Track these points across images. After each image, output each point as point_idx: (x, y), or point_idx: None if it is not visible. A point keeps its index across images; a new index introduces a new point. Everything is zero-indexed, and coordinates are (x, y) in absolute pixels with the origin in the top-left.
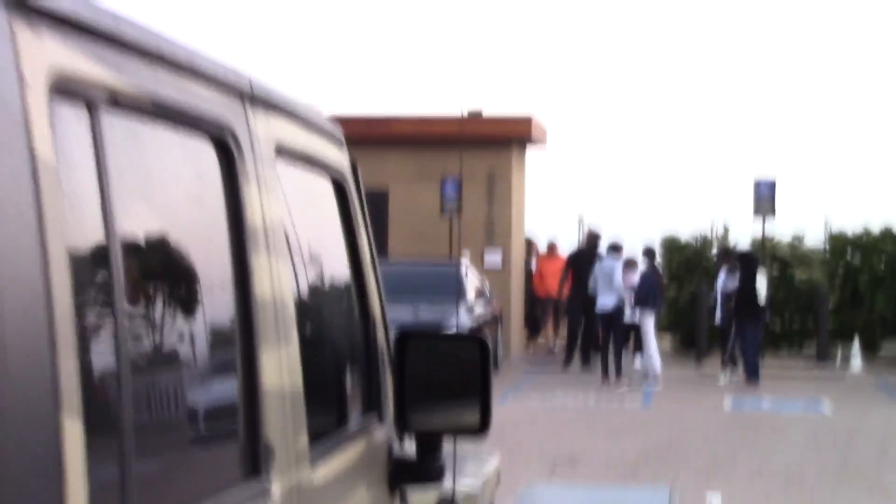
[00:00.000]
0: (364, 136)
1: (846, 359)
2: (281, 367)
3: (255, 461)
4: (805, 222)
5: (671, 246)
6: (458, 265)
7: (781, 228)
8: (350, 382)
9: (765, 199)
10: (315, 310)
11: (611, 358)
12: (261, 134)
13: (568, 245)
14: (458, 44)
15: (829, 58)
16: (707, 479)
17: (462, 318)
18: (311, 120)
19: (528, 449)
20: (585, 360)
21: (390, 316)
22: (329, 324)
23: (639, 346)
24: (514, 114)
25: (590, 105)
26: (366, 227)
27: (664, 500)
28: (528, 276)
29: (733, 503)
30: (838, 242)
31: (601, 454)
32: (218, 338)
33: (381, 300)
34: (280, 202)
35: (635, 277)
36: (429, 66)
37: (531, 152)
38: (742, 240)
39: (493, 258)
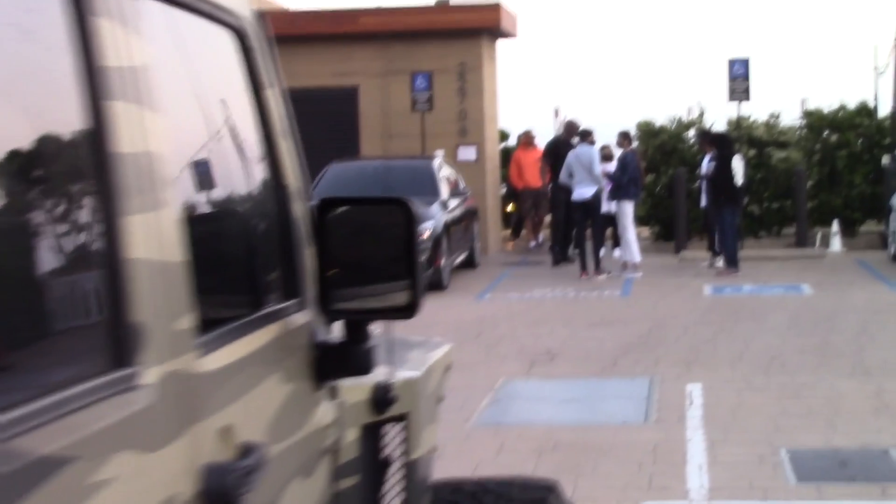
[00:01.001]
0: (331, 31)
1: (826, 240)
2: (151, 235)
3: (119, 346)
4: (781, 103)
5: (646, 131)
6: (430, 160)
7: (757, 110)
8: (259, 261)
9: (739, 78)
10: (207, 175)
11: (589, 248)
12: None
13: (544, 136)
14: None
15: None
16: (687, 368)
17: (436, 214)
18: None
19: (506, 344)
20: (563, 254)
21: None
22: (228, 193)
23: (616, 236)
24: (483, 1)
25: None
26: (277, 86)
27: (643, 391)
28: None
29: (713, 391)
30: (814, 120)
31: (580, 347)
32: (65, 200)
33: (298, 170)
34: (145, 43)
35: (610, 166)
36: None
37: (502, 43)
38: (718, 122)
39: (467, 153)
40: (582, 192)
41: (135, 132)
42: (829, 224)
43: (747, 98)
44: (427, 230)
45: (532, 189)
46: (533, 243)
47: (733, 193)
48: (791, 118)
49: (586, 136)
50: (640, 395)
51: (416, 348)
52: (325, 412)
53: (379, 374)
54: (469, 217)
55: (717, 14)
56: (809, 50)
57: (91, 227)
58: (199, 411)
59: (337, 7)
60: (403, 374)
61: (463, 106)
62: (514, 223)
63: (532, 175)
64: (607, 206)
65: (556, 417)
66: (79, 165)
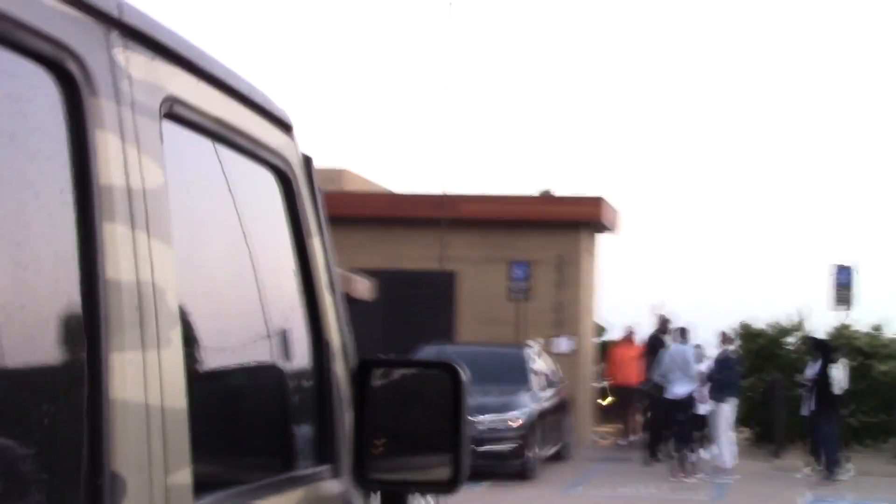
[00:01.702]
0: (433, 215)
1: None
2: (147, 375)
3: (94, 499)
4: (886, 311)
5: (747, 333)
6: (522, 349)
7: (861, 317)
8: (287, 420)
9: (843, 285)
10: (229, 318)
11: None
12: (135, 74)
13: (643, 333)
14: (529, 121)
15: None
16: None
17: (527, 404)
18: (236, 88)
19: None
20: (654, 453)
21: None
22: (254, 341)
23: (706, 437)
24: (585, 194)
25: (663, 189)
26: (322, 233)
27: None
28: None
29: None
30: None
31: None
32: (53, 330)
33: (342, 327)
34: (161, 168)
35: (702, 365)
36: (498, 144)
37: (603, 236)
38: (820, 328)
39: (562, 344)
40: (677, 390)
41: (132, 257)
42: None
43: (851, 306)
44: (518, 419)
45: (628, 386)
46: (624, 441)
47: (832, 400)
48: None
49: (683, 335)
50: None
51: None
52: None
53: None
54: (561, 409)
55: (826, 217)
56: None
57: (73, 360)
58: None
59: (440, 192)
60: None
61: (560, 297)
62: (613, 416)
63: (628, 372)
64: (703, 407)
65: None
66: (69, 292)
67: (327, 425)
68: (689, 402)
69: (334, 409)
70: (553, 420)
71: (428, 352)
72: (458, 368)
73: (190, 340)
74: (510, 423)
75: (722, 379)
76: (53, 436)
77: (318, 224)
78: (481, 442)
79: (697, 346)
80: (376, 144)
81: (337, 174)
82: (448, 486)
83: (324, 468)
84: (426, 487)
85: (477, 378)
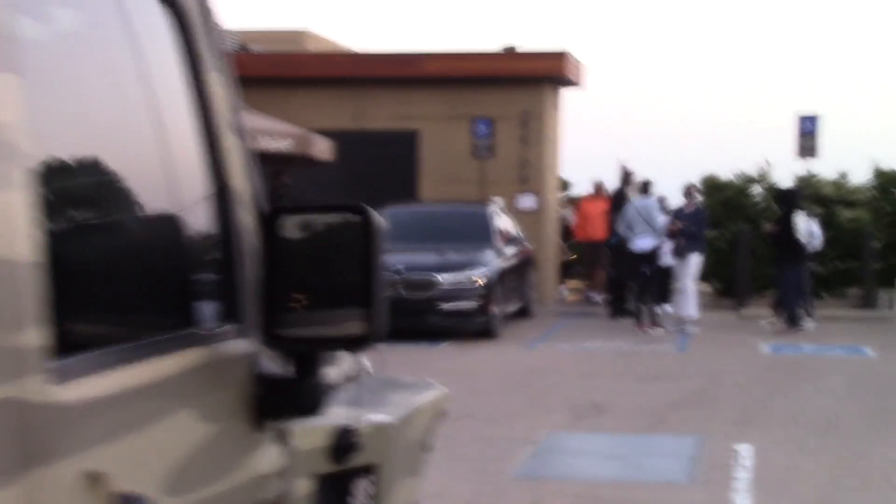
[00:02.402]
0: (395, 74)
1: (892, 302)
2: None
3: None
4: (851, 162)
5: (711, 186)
6: (486, 207)
7: (826, 168)
8: (177, 274)
9: (808, 134)
10: (113, 161)
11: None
12: None
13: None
14: None
15: None
16: (739, 428)
17: (490, 261)
18: None
19: (554, 396)
20: (620, 307)
21: (414, 259)
22: (143, 187)
23: (672, 290)
24: (549, 49)
25: (627, 43)
26: (222, 70)
27: (691, 450)
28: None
29: (764, 453)
30: (885, 179)
31: (629, 401)
32: None
33: (248, 172)
34: None
35: (666, 218)
36: (460, 1)
37: (567, 92)
38: (785, 179)
39: (527, 201)
40: (642, 243)
41: None
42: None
43: (816, 155)
44: (480, 276)
45: (594, 241)
46: (593, 296)
47: (796, 250)
48: (861, 178)
49: (646, 188)
50: (686, 454)
51: (404, 390)
52: (267, 459)
53: (340, 416)
54: (525, 266)
55: (789, 69)
56: (883, 109)
57: None
58: (44, 452)
59: (402, 51)
60: (373, 418)
61: (524, 154)
62: (575, 273)
63: (595, 227)
64: (668, 259)
65: (597, 473)
66: None
67: (231, 280)
68: (653, 255)
69: (239, 262)
70: (517, 277)
71: (390, 213)
72: (369, 211)
73: (53, 184)
74: (473, 280)
75: (695, 231)
76: None
77: (216, 60)
78: (444, 300)
79: (661, 199)
80: (338, 4)
81: (298, 35)
82: (361, 343)
83: (228, 327)
84: (338, 345)
85: (440, 237)
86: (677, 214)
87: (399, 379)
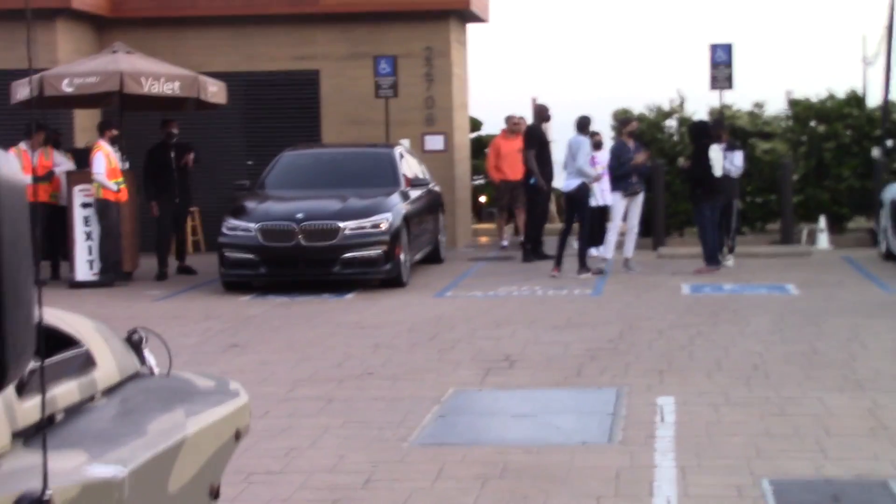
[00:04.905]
0: (290, 11)
1: (812, 237)
2: None
3: None
4: (765, 93)
5: (623, 119)
6: (390, 149)
7: (741, 100)
8: None
9: (722, 64)
10: None
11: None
12: None
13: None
14: None
15: None
16: (660, 378)
17: (395, 205)
18: None
19: (462, 348)
20: (536, 251)
21: (313, 205)
22: None
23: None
24: None
25: None
26: None
27: (609, 405)
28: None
29: (687, 406)
30: (801, 109)
31: (542, 352)
32: None
33: None
34: None
35: (602, 154)
36: None
37: (473, 28)
38: (699, 111)
39: (435, 142)
40: (566, 184)
41: None
42: (815, 220)
43: (730, 86)
44: (384, 222)
45: (511, 181)
46: (505, 241)
47: (711, 186)
48: (776, 109)
49: (582, 126)
50: (604, 410)
51: (182, 405)
52: None
53: (30, 472)
54: (434, 209)
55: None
56: (795, 39)
57: None
58: None
59: None
60: (91, 471)
61: (430, 92)
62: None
63: (511, 166)
64: (604, 199)
65: (508, 436)
66: None
67: None
68: (576, 195)
69: None
70: (426, 222)
71: (289, 157)
72: None
73: None
74: (377, 226)
75: (617, 169)
76: None
77: None
78: (347, 249)
79: (595, 134)
80: None
81: None
82: None
83: None
84: None
85: (342, 182)
86: (624, 152)
87: (188, 384)
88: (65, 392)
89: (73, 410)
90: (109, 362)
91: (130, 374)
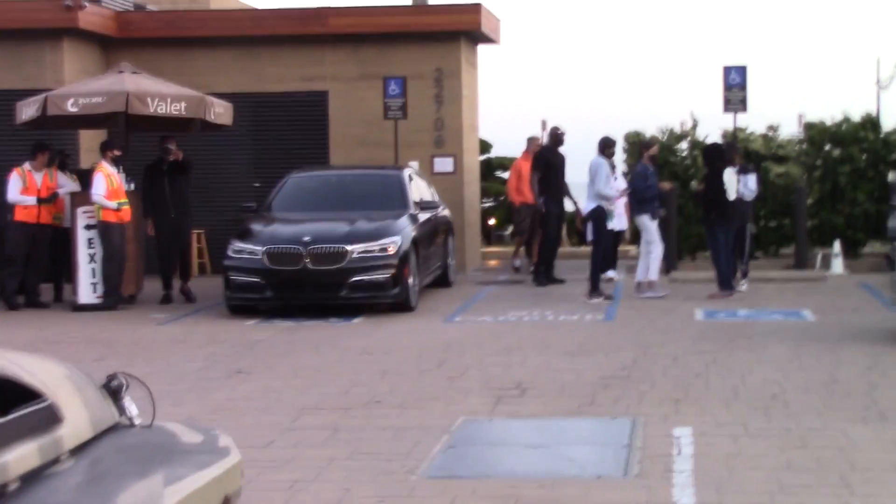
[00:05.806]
0: (298, 32)
1: (827, 261)
2: None
3: None
4: (778, 117)
5: (635, 142)
6: (399, 171)
7: (754, 123)
8: None
9: (735, 87)
10: None
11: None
12: None
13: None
14: None
15: None
16: (675, 408)
17: (404, 229)
18: None
19: (471, 376)
20: (549, 275)
21: (321, 228)
22: None
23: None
24: (462, 1)
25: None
26: None
27: (624, 436)
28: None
29: (705, 437)
30: (815, 133)
31: (554, 379)
32: None
33: None
34: None
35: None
36: None
37: (484, 49)
38: (712, 134)
39: (444, 164)
40: (585, 206)
41: None
42: (830, 244)
43: (744, 109)
44: (392, 245)
45: (531, 204)
46: (518, 261)
47: (725, 209)
48: (790, 131)
49: (603, 147)
50: (619, 441)
51: (160, 470)
52: None
53: None
54: (443, 232)
55: (714, 23)
56: (809, 62)
57: None
58: None
59: (305, 6)
60: None
61: (440, 114)
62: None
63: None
64: (619, 224)
65: (520, 468)
66: None
67: None
68: (591, 218)
69: None
70: (434, 245)
71: (295, 179)
72: None
73: None
74: (384, 249)
75: (646, 192)
76: None
77: None
78: (355, 272)
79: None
80: None
81: None
82: None
83: None
84: None
85: (350, 204)
86: (650, 175)
87: (172, 439)
88: (21, 456)
89: (31, 477)
90: (80, 416)
91: (107, 426)
